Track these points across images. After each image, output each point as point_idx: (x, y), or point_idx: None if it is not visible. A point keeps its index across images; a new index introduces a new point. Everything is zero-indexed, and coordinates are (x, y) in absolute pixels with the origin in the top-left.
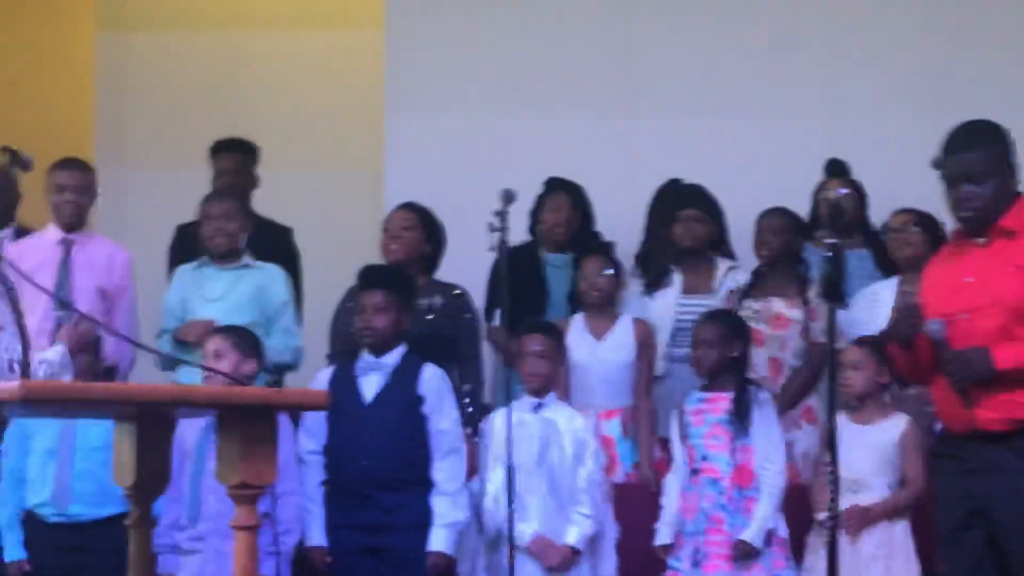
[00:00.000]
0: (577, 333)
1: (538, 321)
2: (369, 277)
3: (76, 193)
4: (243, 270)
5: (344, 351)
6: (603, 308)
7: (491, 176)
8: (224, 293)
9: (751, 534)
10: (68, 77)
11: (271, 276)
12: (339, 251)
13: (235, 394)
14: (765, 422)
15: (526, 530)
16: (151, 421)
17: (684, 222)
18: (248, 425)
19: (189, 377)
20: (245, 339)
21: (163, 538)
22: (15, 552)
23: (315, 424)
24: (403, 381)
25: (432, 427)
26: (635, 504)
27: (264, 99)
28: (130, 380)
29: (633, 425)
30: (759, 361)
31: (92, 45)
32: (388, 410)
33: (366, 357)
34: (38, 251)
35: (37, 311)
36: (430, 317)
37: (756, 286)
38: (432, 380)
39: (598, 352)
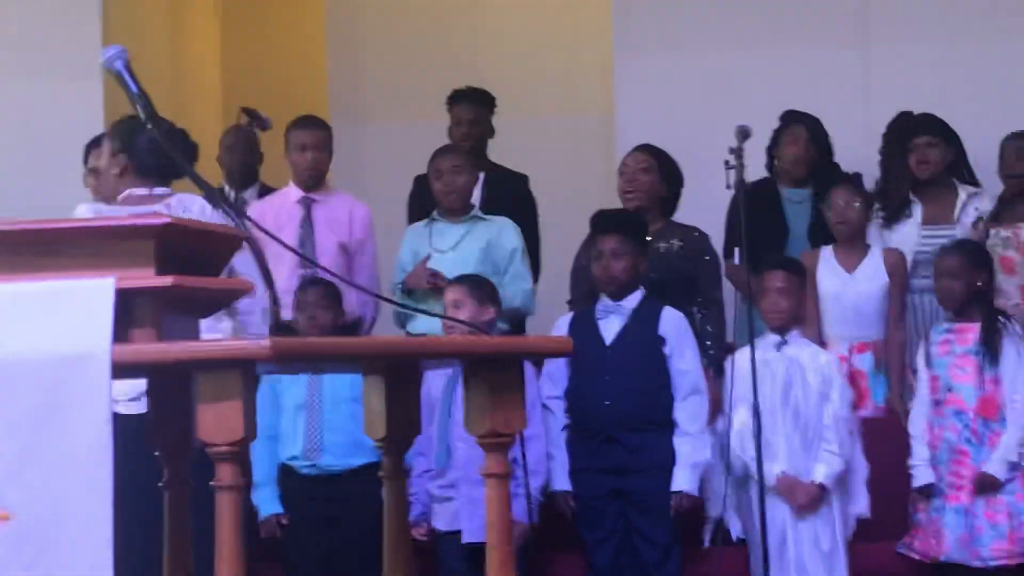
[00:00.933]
0: (827, 266)
1: (779, 257)
2: (603, 222)
3: (315, 151)
4: (473, 223)
5: (585, 296)
6: (853, 240)
7: (724, 114)
8: (454, 245)
9: (994, 466)
10: (300, 35)
11: (501, 228)
12: (573, 196)
13: (480, 344)
14: (1014, 353)
15: (773, 469)
16: (399, 373)
17: (918, 150)
18: (494, 374)
19: (422, 327)
20: (482, 287)
21: (415, 487)
22: (271, 507)
23: (556, 369)
24: (643, 323)
25: (673, 368)
26: (887, 439)
27: (495, 47)
28: (373, 333)
29: (884, 357)
30: (1010, 288)
31: (322, 2)
32: (629, 352)
33: (605, 300)
34: (280, 210)
35: (282, 269)
36: (670, 257)
37: (1003, 212)
38: (672, 321)
39: (850, 284)
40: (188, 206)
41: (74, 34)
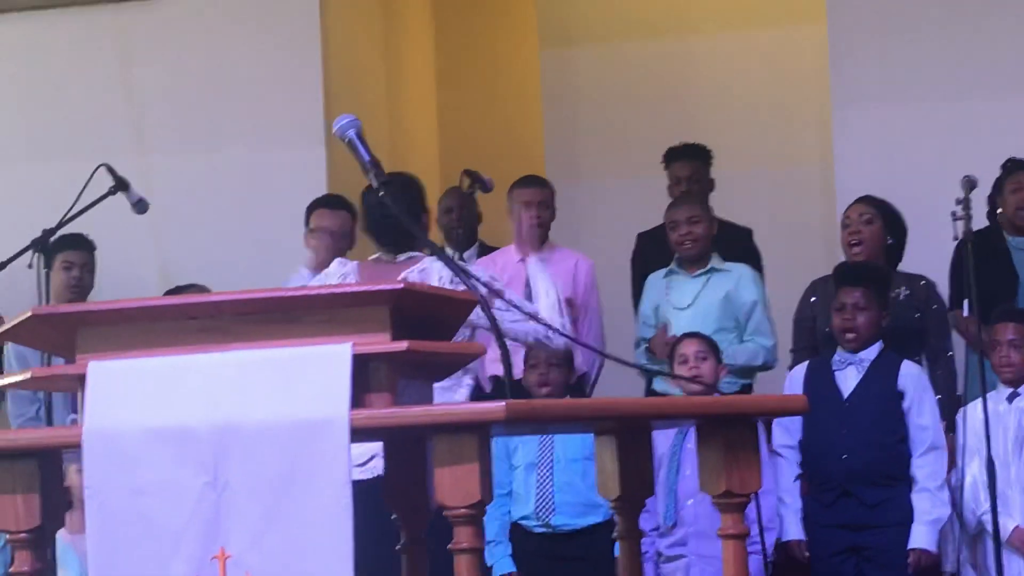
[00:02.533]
0: None
1: (1010, 308)
2: (847, 274)
3: (539, 208)
4: (711, 274)
5: (808, 347)
6: None
7: (944, 162)
8: (693, 300)
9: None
10: (516, 95)
11: (740, 277)
12: (792, 247)
13: (715, 403)
14: None
15: (1008, 524)
16: (631, 433)
17: None
18: (730, 433)
19: (665, 384)
20: (713, 344)
21: (644, 546)
22: (505, 565)
23: (790, 419)
24: (882, 376)
25: (912, 422)
26: None
27: (710, 101)
28: (598, 387)
29: None
30: None
31: (537, 63)
32: (867, 405)
33: (842, 352)
34: (503, 268)
35: None
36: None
37: None
38: (911, 375)
39: None
40: (430, 271)
41: (297, 103)
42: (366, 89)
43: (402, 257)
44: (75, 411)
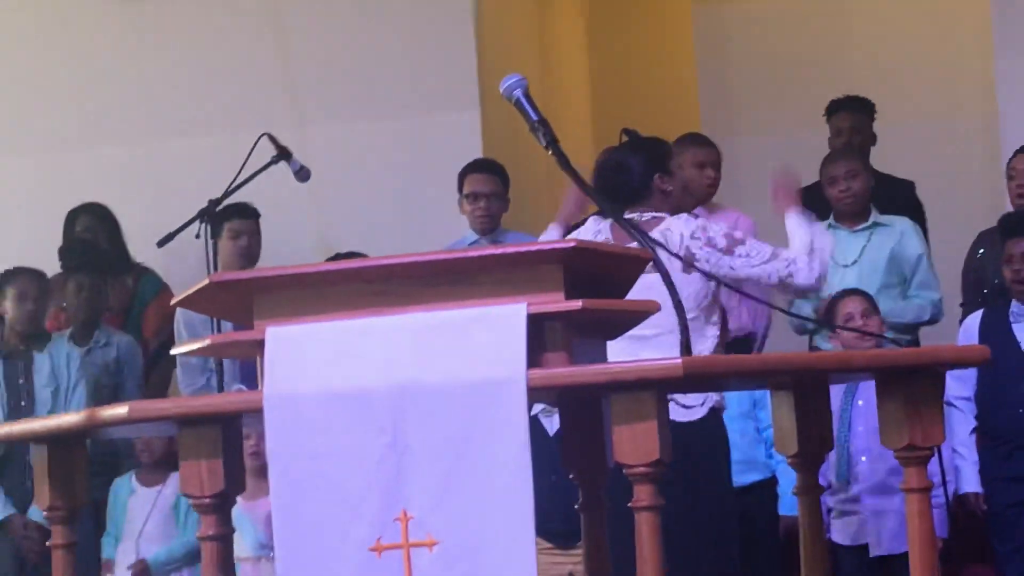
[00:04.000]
0: None
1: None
2: (1015, 225)
3: (709, 168)
4: (874, 229)
5: (978, 300)
6: None
7: None
8: (859, 256)
9: None
10: (668, 52)
11: (903, 233)
12: (955, 200)
13: (894, 356)
14: None
15: None
16: (808, 388)
17: None
18: (910, 386)
19: (828, 343)
20: (873, 300)
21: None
22: None
23: (965, 371)
24: None
25: None
26: None
27: (869, 53)
28: (766, 347)
29: None
30: None
31: (690, 18)
32: None
33: (1017, 304)
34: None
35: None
36: None
37: None
38: None
39: None
40: (672, 230)
41: (451, 66)
42: (519, 50)
43: (646, 216)
44: (243, 381)
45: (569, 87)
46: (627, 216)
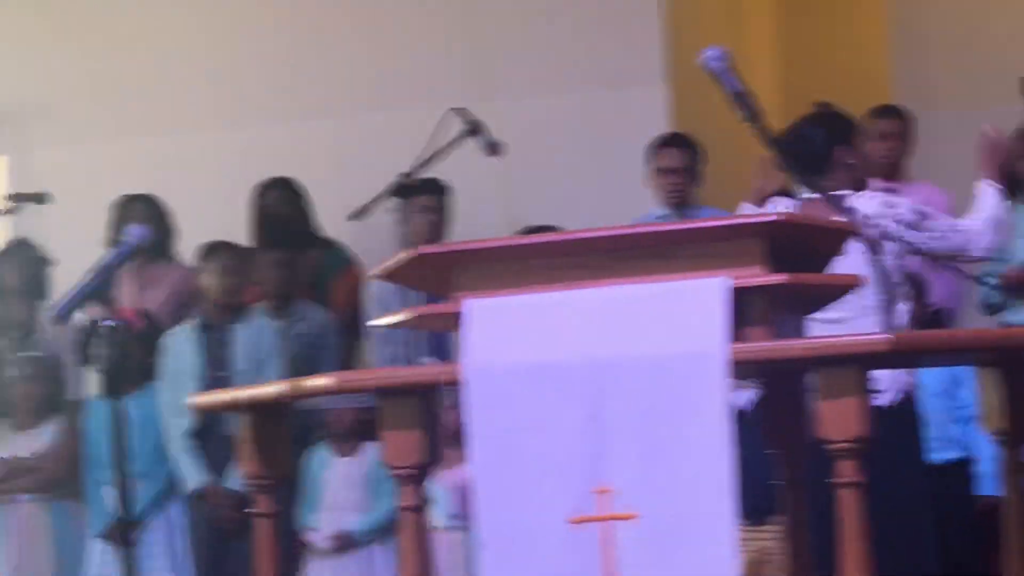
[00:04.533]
0: None
1: None
2: None
3: (896, 140)
4: None
5: None
6: None
7: None
8: None
9: None
10: (860, 23)
11: None
12: None
13: None
14: None
15: None
16: (1016, 364)
17: None
18: None
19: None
20: None
21: None
22: None
23: None
24: None
25: None
26: None
27: None
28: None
29: None
30: None
31: None
32: None
33: None
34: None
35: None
36: None
37: None
38: None
39: None
40: (857, 205)
41: (638, 40)
42: (707, 23)
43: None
44: (432, 354)
45: (759, 59)
46: (808, 196)
